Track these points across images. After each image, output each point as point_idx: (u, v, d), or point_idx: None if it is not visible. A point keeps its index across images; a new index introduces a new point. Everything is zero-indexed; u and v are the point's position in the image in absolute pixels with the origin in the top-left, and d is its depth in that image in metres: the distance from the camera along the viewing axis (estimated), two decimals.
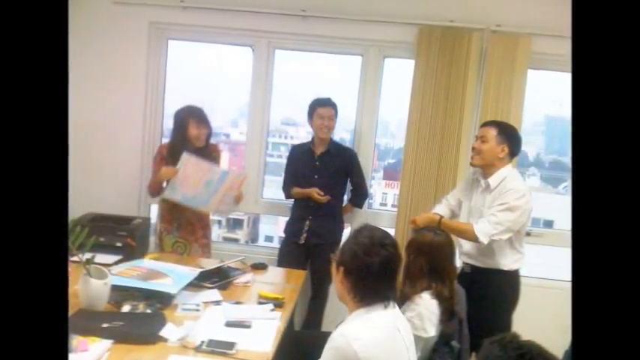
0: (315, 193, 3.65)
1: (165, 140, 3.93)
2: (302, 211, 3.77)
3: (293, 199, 3.88)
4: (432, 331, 2.41)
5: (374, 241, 1.89)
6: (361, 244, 1.89)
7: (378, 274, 1.87)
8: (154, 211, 4.22)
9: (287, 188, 3.85)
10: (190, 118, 3.45)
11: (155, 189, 3.54)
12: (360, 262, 1.87)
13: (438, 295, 2.46)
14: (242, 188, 3.51)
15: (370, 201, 4.20)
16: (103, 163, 4.11)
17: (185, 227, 3.57)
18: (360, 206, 4.02)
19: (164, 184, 3.47)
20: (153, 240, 3.71)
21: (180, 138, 3.45)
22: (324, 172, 3.73)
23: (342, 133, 4.45)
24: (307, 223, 3.74)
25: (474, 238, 2.93)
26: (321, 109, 3.68)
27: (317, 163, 3.76)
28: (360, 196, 3.92)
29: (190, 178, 3.36)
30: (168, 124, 4.38)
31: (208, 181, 3.35)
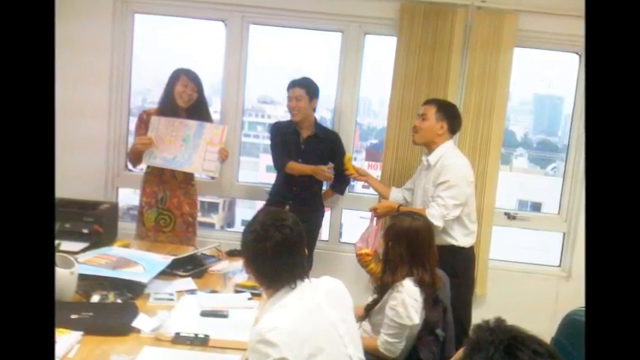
0: (324, 170, 3.61)
1: (133, 119, 3.89)
2: (282, 196, 3.73)
3: (272, 185, 3.87)
4: (416, 318, 2.45)
5: (266, 225, 1.87)
6: (253, 232, 1.88)
7: (274, 258, 1.85)
8: (121, 196, 4.21)
9: (281, 162, 3.73)
10: (181, 74, 3.47)
11: (135, 158, 3.54)
12: (254, 251, 1.88)
13: (419, 282, 2.49)
14: (224, 141, 3.47)
15: (352, 183, 4.18)
16: (66, 145, 4.03)
17: (171, 200, 3.57)
18: (342, 192, 4.03)
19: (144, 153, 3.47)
20: (121, 226, 3.65)
21: (168, 96, 3.46)
22: (309, 157, 3.70)
23: (322, 112, 4.43)
24: (287, 209, 3.66)
25: None
26: (290, 90, 3.68)
27: (302, 146, 3.73)
28: (342, 182, 3.90)
29: (165, 138, 3.38)
30: (136, 101, 4.36)
31: (185, 138, 3.38)
